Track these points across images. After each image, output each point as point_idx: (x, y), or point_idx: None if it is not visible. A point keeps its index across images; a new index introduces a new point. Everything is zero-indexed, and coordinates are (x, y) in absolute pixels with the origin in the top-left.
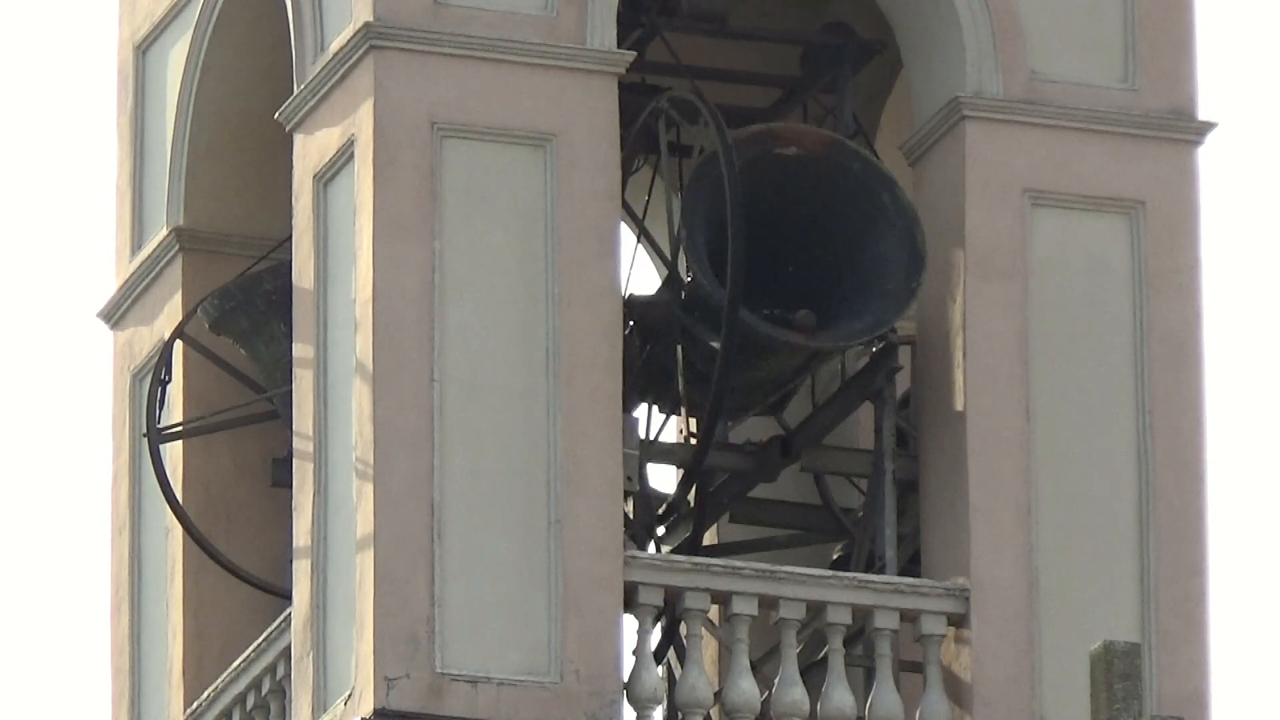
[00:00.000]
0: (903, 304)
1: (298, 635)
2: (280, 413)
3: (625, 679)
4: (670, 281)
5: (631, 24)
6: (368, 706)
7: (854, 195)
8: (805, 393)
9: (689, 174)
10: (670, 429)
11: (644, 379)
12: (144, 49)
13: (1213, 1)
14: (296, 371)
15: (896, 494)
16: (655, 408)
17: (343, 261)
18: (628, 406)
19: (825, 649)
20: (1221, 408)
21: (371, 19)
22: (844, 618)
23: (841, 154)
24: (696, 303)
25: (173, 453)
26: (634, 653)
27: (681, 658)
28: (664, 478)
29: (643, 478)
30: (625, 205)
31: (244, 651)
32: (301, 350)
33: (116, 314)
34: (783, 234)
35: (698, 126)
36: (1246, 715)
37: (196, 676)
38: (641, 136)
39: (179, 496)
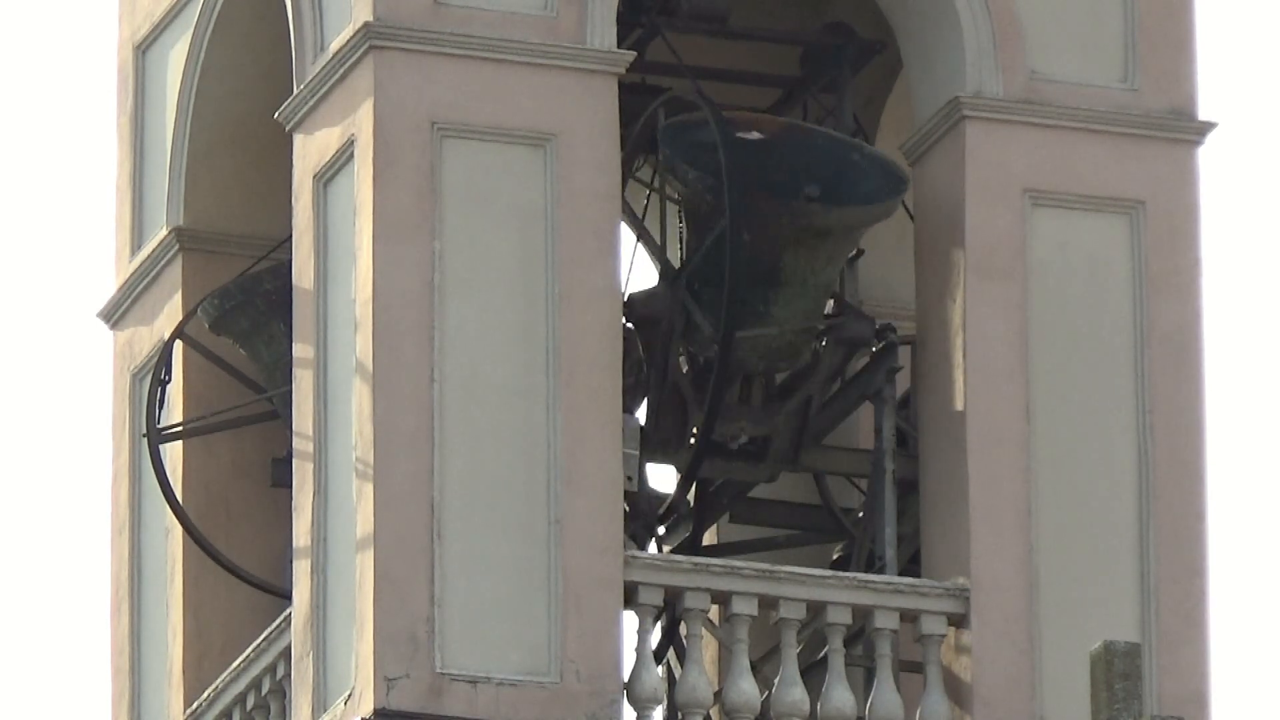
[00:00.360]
0: (896, 192)
1: (298, 635)
2: (280, 413)
3: (625, 679)
4: (666, 274)
5: (631, 24)
6: (368, 706)
7: (825, 164)
8: (805, 393)
9: (662, 131)
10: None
11: (643, 393)
12: (144, 49)
13: (1213, 1)
14: (296, 371)
15: (896, 494)
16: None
17: (343, 261)
18: (628, 406)
19: (825, 649)
20: (1221, 408)
21: (371, 19)
22: (844, 618)
23: (801, 133)
24: (693, 253)
25: (173, 453)
26: (634, 652)
27: (681, 658)
28: (664, 478)
29: (643, 478)
30: (625, 205)
31: (244, 651)
32: (301, 350)
33: (116, 314)
34: (766, 195)
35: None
36: (1246, 715)
37: (196, 676)
38: (641, 138)
39: (179, 496)
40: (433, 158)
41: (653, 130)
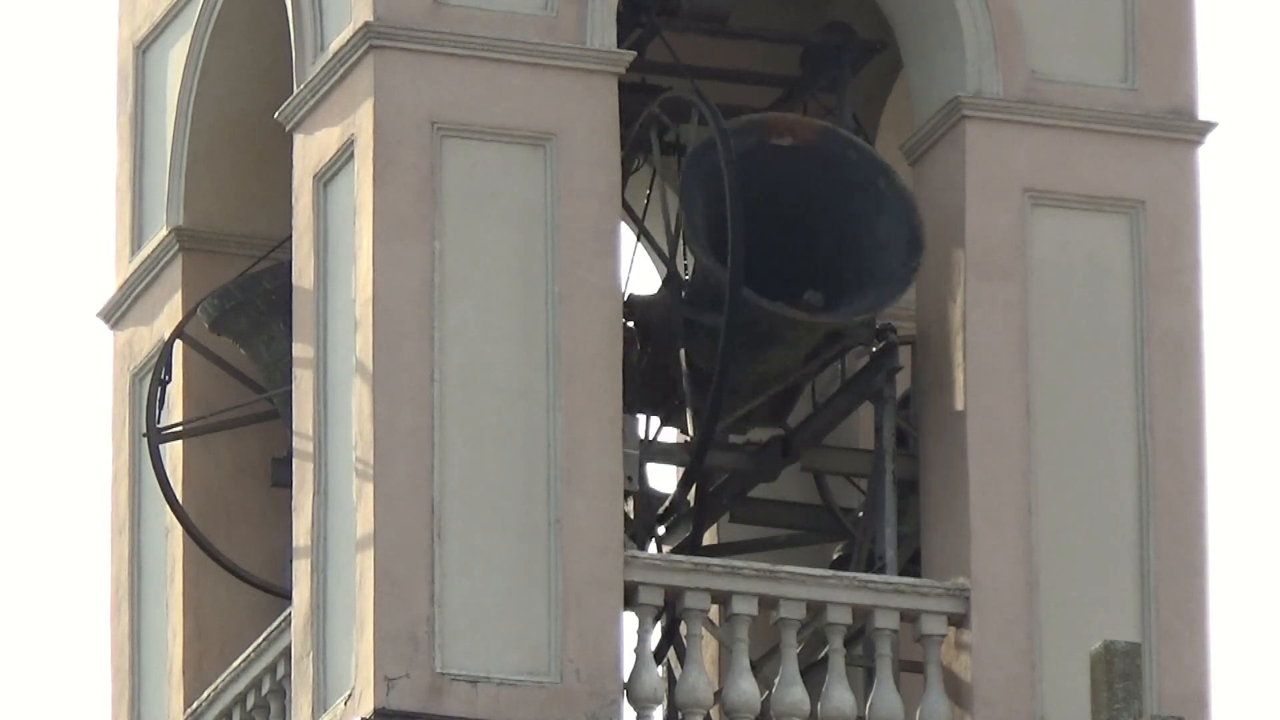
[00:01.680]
0: (903, 284)
1: (298, 635)
2: (280, 413)
3: (625, 679)
4: (670, 281)
5: (631, 24)
6: (368, 706)
7: (851, 183)
8: (805, 393)
9: (685, 162)
10: (670, 432)
11: (645, 387)
12: (144, 49)
13: (1213, 1)
14: (296, 371)
15: (896, 494)
16: (657, 418)
17: (343, 261)
18: (628, 407)
19: (825, 649)
20: (1221, 408)
21: (371, 19)
22: (844, 618)
23: (836, 142)
24: (698, 292)
25: (173, 453)
26: (634, 653)
27: (681, 658)
28: (664, 478)
29: (643, 478)
30: (625, 205)
31: (244, 651)
32: (301, 350)
33: (116, 314)
34: (781, 223)
35: (690, 125)
36: (1246, 715)
37: (196, 676)
38: (640, 138)
39: (179, 496)
40: (433, 158)
41: (661, 136)
